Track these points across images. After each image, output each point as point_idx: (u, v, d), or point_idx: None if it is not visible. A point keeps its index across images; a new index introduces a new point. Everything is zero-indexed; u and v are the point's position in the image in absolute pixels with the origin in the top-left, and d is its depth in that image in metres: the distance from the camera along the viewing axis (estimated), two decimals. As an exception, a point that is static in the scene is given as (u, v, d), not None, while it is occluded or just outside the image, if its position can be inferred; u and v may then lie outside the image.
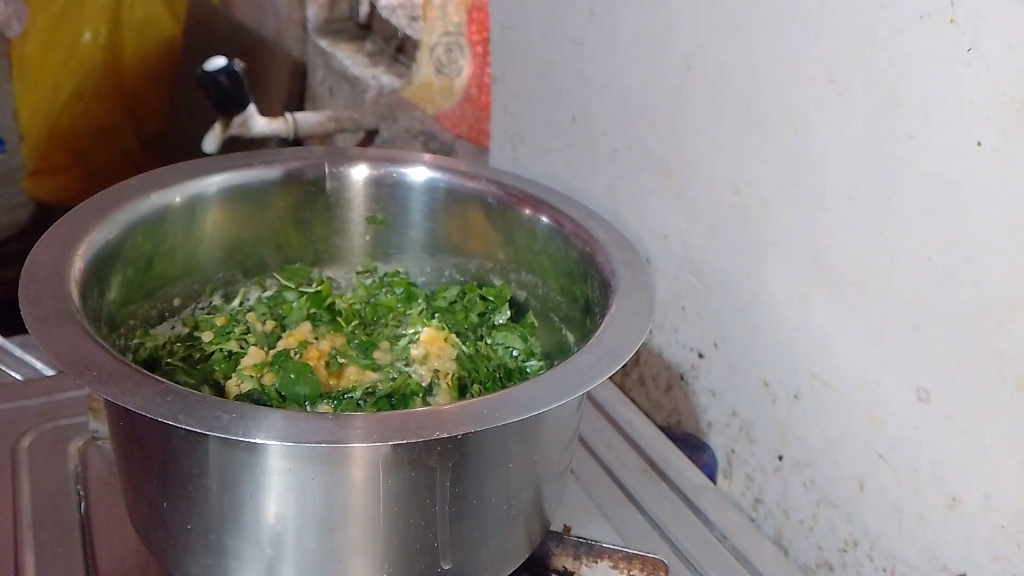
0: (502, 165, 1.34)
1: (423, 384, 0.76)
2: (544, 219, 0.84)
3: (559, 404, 0.61)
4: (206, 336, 0.82)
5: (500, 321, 0.86)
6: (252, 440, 0.56)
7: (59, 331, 0.62)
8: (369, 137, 1.94)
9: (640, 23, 1.03)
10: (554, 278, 0.84)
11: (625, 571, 0.79)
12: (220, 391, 0.77)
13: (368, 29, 2.25)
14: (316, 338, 0.82)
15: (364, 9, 2.26)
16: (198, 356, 0.81)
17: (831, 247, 0.83)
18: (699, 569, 0.83)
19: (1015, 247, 0.68)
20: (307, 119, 1.90)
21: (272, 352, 0.79)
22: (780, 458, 0.93)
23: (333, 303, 0.87)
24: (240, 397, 0.73)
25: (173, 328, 0.83)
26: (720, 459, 1.01)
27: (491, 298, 0.87)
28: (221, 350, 0.81)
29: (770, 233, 0.90)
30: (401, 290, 0.89)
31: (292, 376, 0.73)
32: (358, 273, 0.92)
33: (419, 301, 0.89)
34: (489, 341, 0.85)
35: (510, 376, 0.83)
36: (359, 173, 0.90)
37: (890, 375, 0.79)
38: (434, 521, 0.64)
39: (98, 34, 2.75)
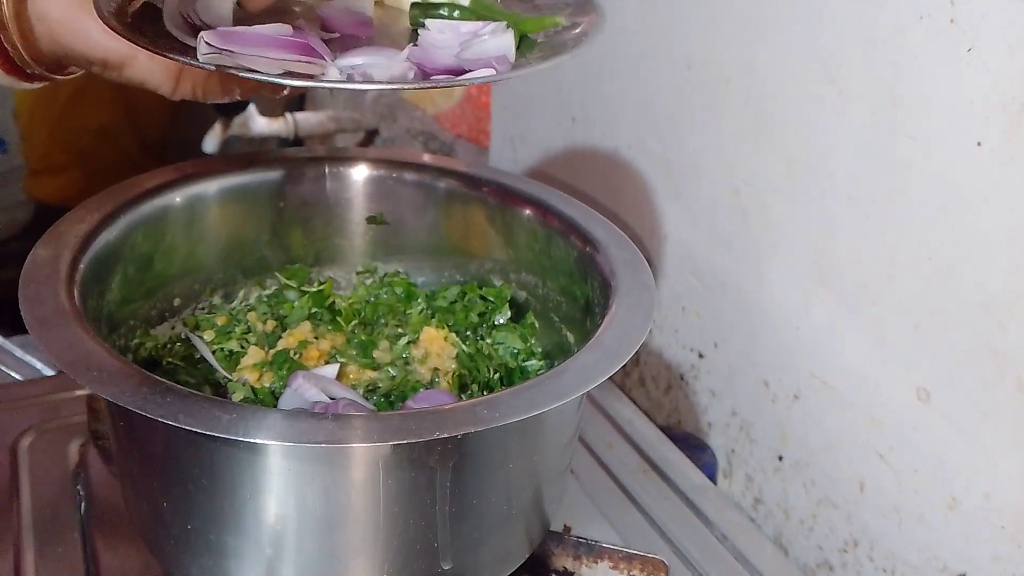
0: (502, 165, 1.34)
1: (423, 383, 0.76)
2: (544, 219, 0.84)
3: (559, 404, 0.61)
4: (207, 336, 0.82)
5: (500, 321, 0.86)
6: (252, 440, 0.55)
7: (59, 331, 0.62)
8: (369, 137, 1.94)
9: (640, 23, 1.03)
10: (554, 278, 0.84)
11: (625, 571, 0.79)
12: (221, 391, 0.77)
13: (368, 29, 2.25)
14: (316, 337, 0.82)
15: (364, 9, 2.25)
16: (199, 356, 0.81)
17: (831, 247, 0.83)
18: (699, 569, 0.83)
19: (1015, 247, 0.68)
20: (307, 119, 1.90)
21: (272, 352, 0.79)
22: (780, 458, 0.93)
23: (333, 302, 0.88)
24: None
25: (173, 328, 0.83)
26: (720, 459, 1.01)
27: (491, 298, 0.87)
28: (222, 349, 0.81)
29: (770, 233, 0.90)
30: (401, 290, 0.89)
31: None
32: (358, 273, 0.92)
33: (419, 301, 0.89)
34: (489, 341, 0.85)
35: (510, 376, 0.83)
36: (359, 173, 0.89)
37: (890, 375, 0.79)
38: (434, 521, 0.64)
39: (98, 34, 2.75)
